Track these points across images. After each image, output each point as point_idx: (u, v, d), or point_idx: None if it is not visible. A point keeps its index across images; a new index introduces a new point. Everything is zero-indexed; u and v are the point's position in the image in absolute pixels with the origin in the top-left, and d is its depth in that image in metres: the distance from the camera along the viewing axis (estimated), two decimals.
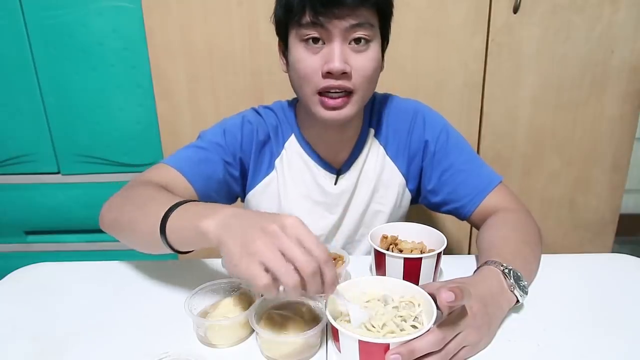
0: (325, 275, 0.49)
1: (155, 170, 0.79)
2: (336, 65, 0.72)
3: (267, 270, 0.48)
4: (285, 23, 0.77)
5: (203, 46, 1.26)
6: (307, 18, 0.71)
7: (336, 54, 0.72)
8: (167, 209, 0.61)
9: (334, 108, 0.76)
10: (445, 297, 0.51)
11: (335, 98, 0.75)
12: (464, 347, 0.55)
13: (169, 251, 0.63)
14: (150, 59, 1.27)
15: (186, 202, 0.62)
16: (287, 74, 0.83)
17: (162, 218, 0.60)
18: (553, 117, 1.31)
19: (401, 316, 0.56)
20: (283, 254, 0.48)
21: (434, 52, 1.25)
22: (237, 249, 0.50)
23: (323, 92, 0.76)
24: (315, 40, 0.73)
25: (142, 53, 1.30)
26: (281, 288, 0.49)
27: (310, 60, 0.74)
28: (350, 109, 0.77)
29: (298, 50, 0.75)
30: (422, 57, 1.25)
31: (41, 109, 1.43)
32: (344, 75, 0.74)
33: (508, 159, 1.35)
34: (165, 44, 1.26)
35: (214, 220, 0.54)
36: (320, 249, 0.49)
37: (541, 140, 1.33)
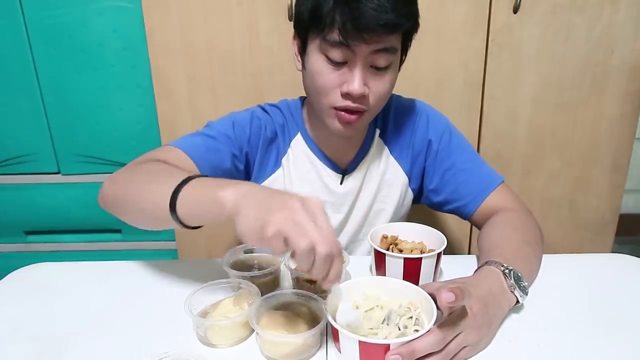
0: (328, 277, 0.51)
1: (163, 151, 0.78)
2: (357, 89, 0.72)
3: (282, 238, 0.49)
4: (308, 26, 0.74)
5: (203, 46, 1.26)
6: (334, 35, 0.70)
7: (357, 78, 0.72)
8: (180, 180, 0.61)
9: (348, 123, 0.77)
10: (446, 297, 0.51)
11: (351, 113, 0.76)
12: (464, 347, 0.55)
13: (175, 225, 0.62)
14: (150, 59, 1.27)
15: (200, 176, 0.62)
16: (300, 71, 0.82)
17: (175, 188, 0.60)
18: (553, 117, 1.31)
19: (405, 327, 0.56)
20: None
21: (434, 52, 1.25)
22: (256, 214, 0.51)
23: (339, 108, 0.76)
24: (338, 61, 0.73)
25: (142, 53, 1.30)
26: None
27: (331, 76, 0.74)
28: (362, 125, 0.79)
29: (318, 61, 0.74)
30: (422, 57, 1.25)
31: (41, 109, 1.43)
32: (362, 97, 0.74)
33: (508, 159, 1.35)
34: (165, 44, 1.26)
35: (233, 190, 0.55)
36: (330, 232, 0.50)
37: (541, 140, 1.33)
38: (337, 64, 0.73)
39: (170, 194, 0.60)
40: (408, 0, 0.71)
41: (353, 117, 0.76)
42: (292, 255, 0.50)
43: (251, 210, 0.52)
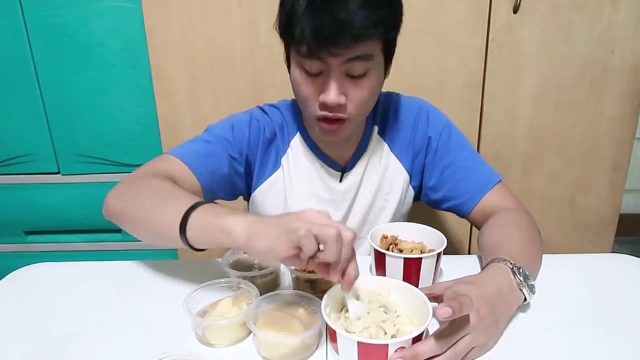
0: (348, 271, 0.55)
1: (163, 161, 0.79)
2: (332, 99, 0.72)
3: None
4: (285, 39, 0.76)
5: (203, 46, 1.26)
6: (304, 48, 0.70)
7: (332, 88, 0.72)
8: (188, 207, 0.61)
9: (330, 131, 0.78)
10: (442, 312, 0.50)
11: (331, 123, 0.76)
12: (473, 348, 0.55)
13: (183, 247, 0.63)
14: (150, 59, 1.27)
15: (207, 203, 0.63)
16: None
17: (184, 215, 0.61)
18: (553, 117, 1.31)
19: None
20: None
21: (434, 52, 1.25)
22: (277, 230, 0.54)
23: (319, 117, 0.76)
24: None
25: (142, 53, 1.30)
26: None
27: (309, 87, 0.74)
28: (346, 131, 0.79)
29: (296, 72, 0.75)
30: (422, 57, 1.25)
31: (41, 109, 1.43)
32: (339, 106, 0.74)
33: (508, 159, 1.35)
34: (165, 44, 1.26)
35: (241, 218, 0.57)
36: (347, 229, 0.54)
37: (541, 140, 1.33)
38: (314, 75, 0.73)
39: (179, 220, 0.61)
40: (379, 6, 0.68)
41: (334, 126, 0.76)
42: (314, 257, 0.53)
43: (269, 229, 0.54)
